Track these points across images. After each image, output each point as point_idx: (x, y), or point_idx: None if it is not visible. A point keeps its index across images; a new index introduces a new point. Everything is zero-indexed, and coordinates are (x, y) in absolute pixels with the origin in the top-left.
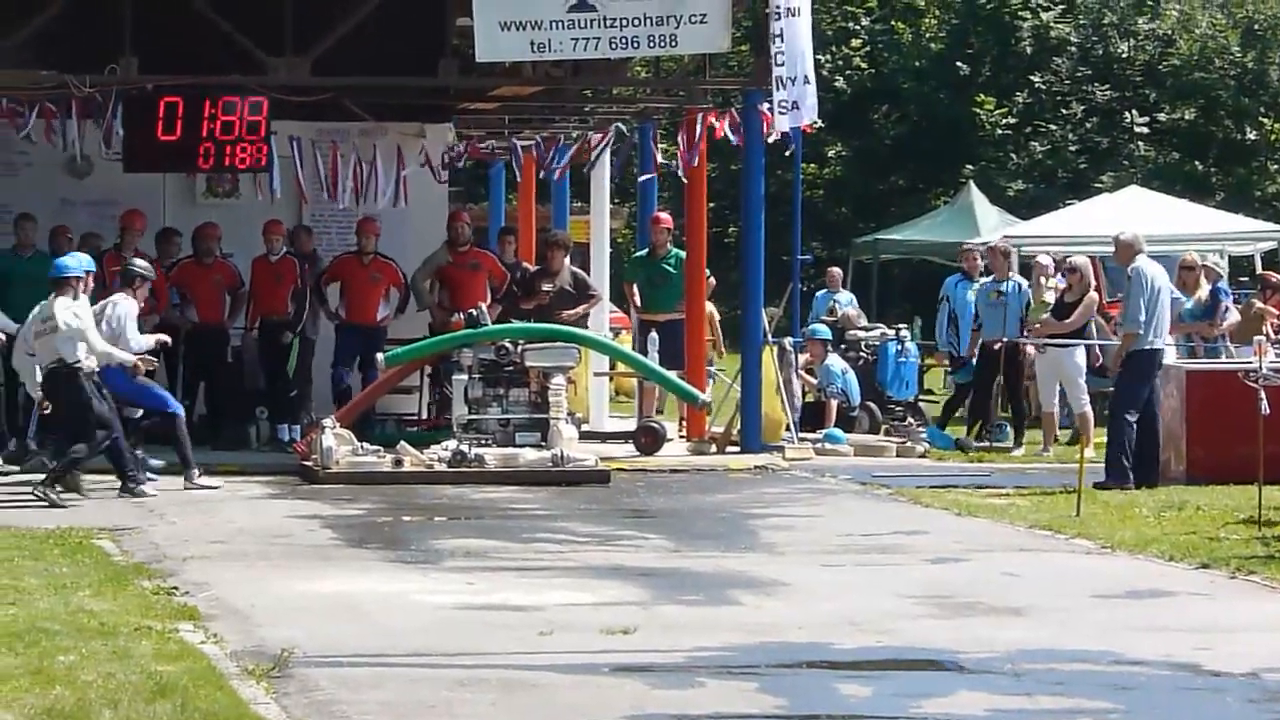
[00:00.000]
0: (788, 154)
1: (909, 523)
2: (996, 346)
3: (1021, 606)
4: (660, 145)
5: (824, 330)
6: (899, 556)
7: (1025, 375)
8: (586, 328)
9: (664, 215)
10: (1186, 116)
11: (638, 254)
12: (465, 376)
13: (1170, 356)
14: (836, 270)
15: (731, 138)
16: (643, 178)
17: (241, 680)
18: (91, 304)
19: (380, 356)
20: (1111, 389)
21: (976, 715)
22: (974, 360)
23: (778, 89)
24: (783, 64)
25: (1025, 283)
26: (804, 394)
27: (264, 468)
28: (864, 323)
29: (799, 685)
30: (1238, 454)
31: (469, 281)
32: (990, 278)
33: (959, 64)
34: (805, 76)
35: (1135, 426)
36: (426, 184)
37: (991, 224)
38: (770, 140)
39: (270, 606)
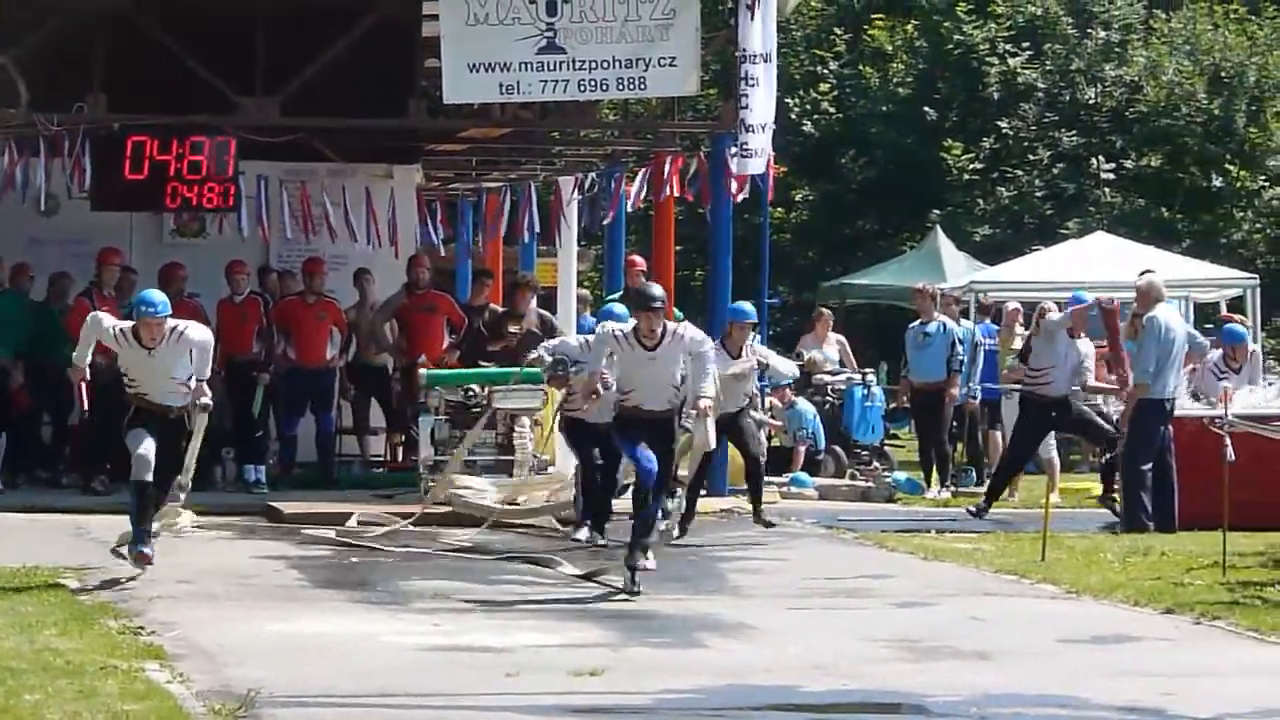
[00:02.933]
0: (741, 198)
1: (875, 566)
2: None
3: (987, 651)
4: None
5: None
6: (865, 600)
7: (979, 419)
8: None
9: (638, 258)
10: (1153, 163)
11: (611, 296)
12: (432, 418)
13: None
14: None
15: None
16: (606, 220)
17: None
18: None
19: (423, 372)
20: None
21: None
22: (906, 404)
23: (744, 133)
24: (749, 108)
25: (950, 323)
26: (770, 438)
27: (230, 508)
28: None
29: None
30: (1215, 500)
31: (426, 323)
32: (919, 321)
33: (926, 109)
34: (769, 121)
35: (1149, 476)
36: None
37: (958, 269)
38: (740, 199)
39: (237, 646)
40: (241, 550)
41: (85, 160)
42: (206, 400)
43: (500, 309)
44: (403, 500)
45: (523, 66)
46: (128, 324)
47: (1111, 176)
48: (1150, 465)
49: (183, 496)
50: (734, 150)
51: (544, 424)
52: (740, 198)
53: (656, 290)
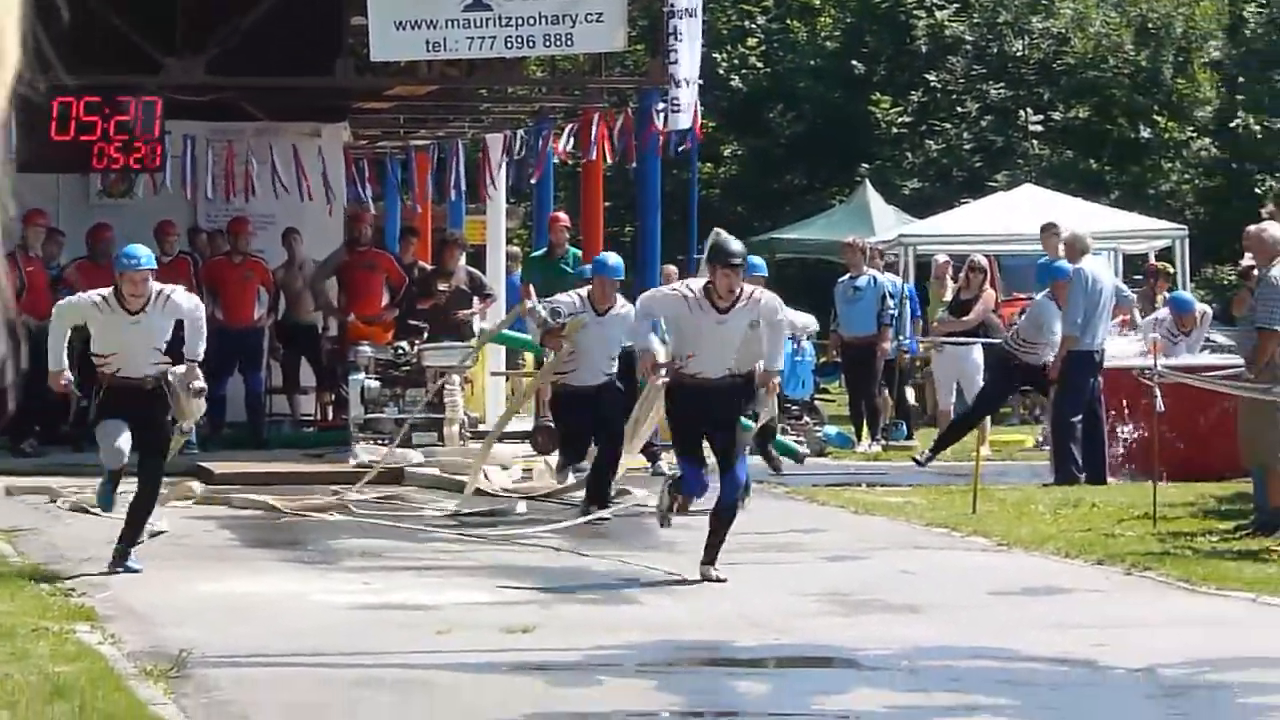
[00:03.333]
0: (680, 150)
1: (806, 521)
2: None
3: (918, 604)
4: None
5: None
6: (796, 555)
7: (909, 372)
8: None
9: (561, 215)
10: (1081, 115)
11: (535, 253)
12: (362, 376)
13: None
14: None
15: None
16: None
17: (139, 681)
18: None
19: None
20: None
21: (874, 712)
22: (837, 359)
23: (673, 88)
24: (676, 63)
25: (880, 277)
26: None
27: None
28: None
29: (697, 684)
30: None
31: (366, 281)
32: (848, 275)
33: (854, 63)
34: (695, 77)
35: (1080, 427)
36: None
37: (887, 223)
38: (681, 150)
39: (168, 607)
40: (172, 511)
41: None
42: (201, 384)
43: (429, 267)
44: (333, 459)
45: (449, 23)
46: (104, 290)
47: (1039, 129)
48: (1080, 417)
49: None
50: (661, 106)
51: (474, 381)
52: (681, 149)
53: (736, 245)
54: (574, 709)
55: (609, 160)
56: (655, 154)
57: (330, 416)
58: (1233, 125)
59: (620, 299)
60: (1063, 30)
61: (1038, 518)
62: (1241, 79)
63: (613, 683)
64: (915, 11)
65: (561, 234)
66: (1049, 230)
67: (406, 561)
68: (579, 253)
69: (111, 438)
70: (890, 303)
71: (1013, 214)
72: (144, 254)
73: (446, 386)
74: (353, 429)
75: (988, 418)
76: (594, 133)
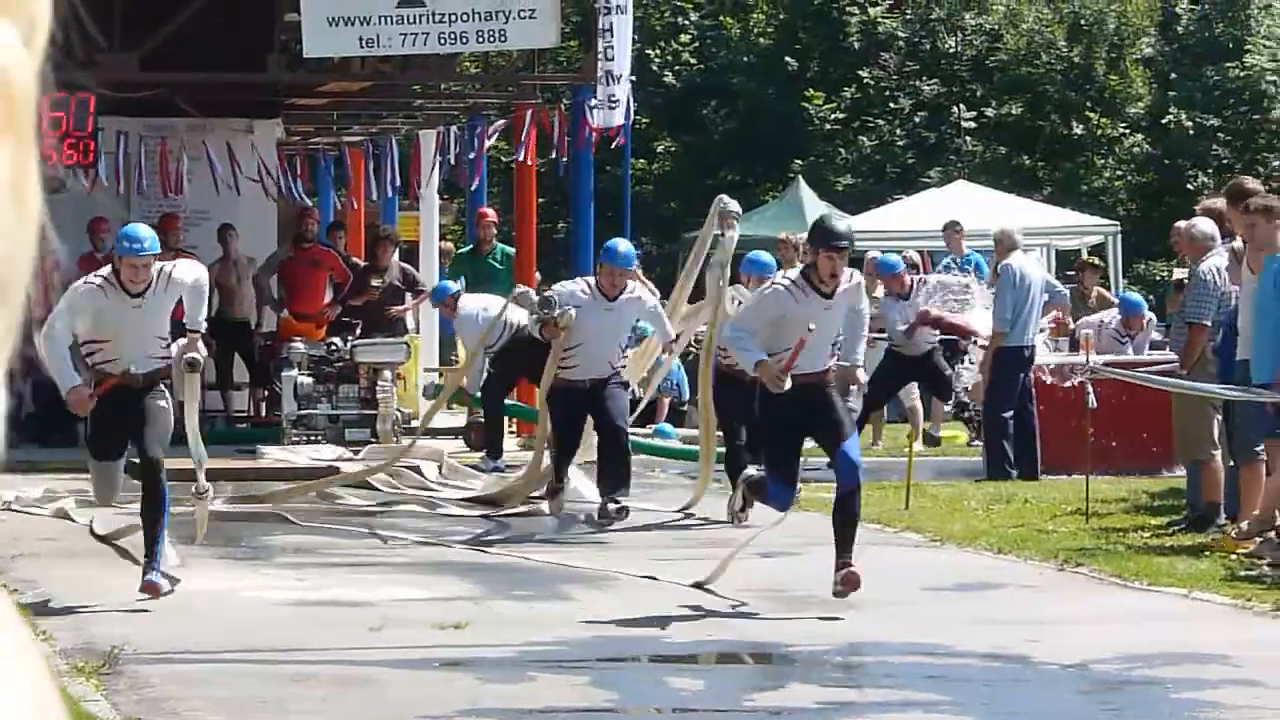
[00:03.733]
0: (614, 147)
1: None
2: None
3: (852, 600)
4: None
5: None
6: (730, 550)
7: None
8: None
9: (489, 210)
10: (1013, 111)
11: (462, 250)
12: (295, 373)
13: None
14: None
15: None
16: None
17: (71, 678)
18: None
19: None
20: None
21: (807, 708)
22: None
23: (605, 84)
24: (612, 59)
25: None
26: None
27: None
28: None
29: (630, 679)
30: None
31: (309, 277)
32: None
33: (788, 59)
34: (626, 73)
35: (1011, 423)
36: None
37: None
38: (615, 146)
39: (101, 603)
40: (104, 507)
41: None
42: (196, 355)
43: (362, 263)
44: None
45: (382, 20)
46: (104, 271)
47: (972, 125)
48: (1011, 413)
49: (210, 494)
50: (594, 102)
51: (406, 378)
52: (615, 145)
53: (843, 225)
54: (507, 705)
55: (541, 158)
56: (588, 150)
57: (263, 413)
58: (1165, 121)
59: (633, 283)
60: (995, 27)
61: (970, 513)
62: (1174, 75)
63: (546, 679)
64: (848, 8)
65: (489, 230)
66: (951, 228)
67: (340, 558)
68: (509, 249)
69: (104, 479)
70: None
71: (945, 210)
72: (148, 237)
73: (380, 383)
74: (285, 425)
75: (920, 412)
76: (525, 130)
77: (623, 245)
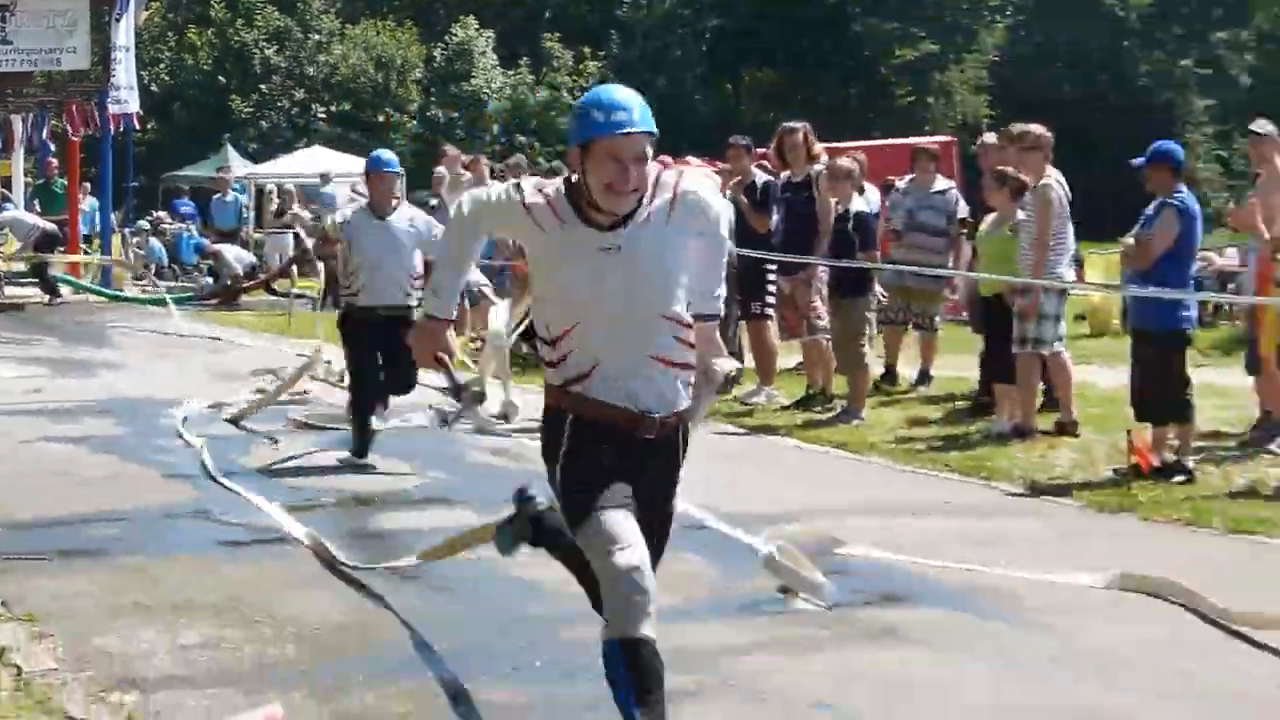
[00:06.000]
0: (123, 126)
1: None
2: None
3: None
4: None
5: None
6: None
7: None
8: None
9: (53, 160)
10: None
11: (37, 182)
12: None
13: None
14: None
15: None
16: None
17: None
18: None
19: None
20: None
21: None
22: None
23: (116, 90)
24: (117, 75)
25: None
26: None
27: None
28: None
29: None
30: None
31: None
32: None
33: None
34: (131, 84)
35: None
36: None
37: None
38: (124, 125)
39: None
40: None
41: None
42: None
43: None
44: None
45: None
46: (355, 204)
47: None
48: None
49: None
50: (110, 99)
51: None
52: (128, 127)
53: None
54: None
55: (83, 133)
56: (109, 127)
57: None
58: None
59: (406, 203)
60: None
61: None
62: None
63: None
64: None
65: (53, 172)
66: None
67: None
68: (63, 181)
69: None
70: None
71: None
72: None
73: None
74: None
75: None
76: (74, 116)
77: (386, 153)
